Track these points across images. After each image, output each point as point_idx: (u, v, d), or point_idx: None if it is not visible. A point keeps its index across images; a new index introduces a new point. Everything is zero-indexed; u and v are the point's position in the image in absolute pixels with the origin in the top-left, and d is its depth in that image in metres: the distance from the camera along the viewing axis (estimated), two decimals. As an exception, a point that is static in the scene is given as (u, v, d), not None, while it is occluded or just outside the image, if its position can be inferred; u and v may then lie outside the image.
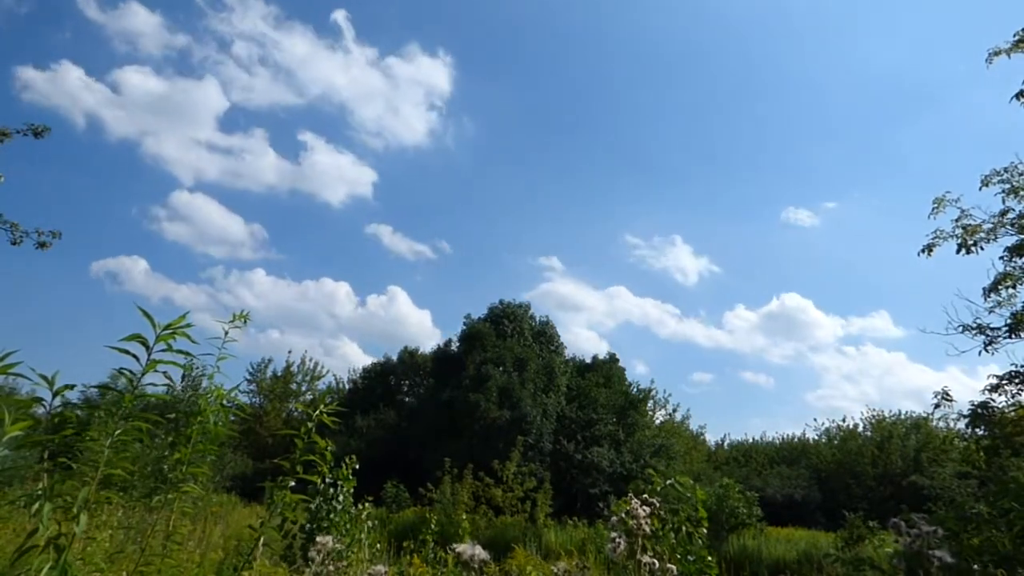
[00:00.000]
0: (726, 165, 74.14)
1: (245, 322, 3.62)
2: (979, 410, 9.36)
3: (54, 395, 2.59)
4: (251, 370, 39.10)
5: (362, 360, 62.85)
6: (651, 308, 62.71)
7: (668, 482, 2.97)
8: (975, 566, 4.39)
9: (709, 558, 3.06)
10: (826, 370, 62.15)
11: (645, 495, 2.07)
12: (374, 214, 66.64)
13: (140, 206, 63.30)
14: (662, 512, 2.46)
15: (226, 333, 3.60)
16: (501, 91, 71.65)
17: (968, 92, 67.05)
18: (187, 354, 2.81)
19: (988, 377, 9.53)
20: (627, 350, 70.77)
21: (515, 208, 72.88)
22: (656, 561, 1.88)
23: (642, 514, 1.88)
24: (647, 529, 1.88)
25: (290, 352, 48.45)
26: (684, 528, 2.94)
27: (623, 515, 1.96)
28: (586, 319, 63.83)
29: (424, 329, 59.63)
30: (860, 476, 30.14)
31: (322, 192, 68.00)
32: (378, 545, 6.86)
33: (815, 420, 45.34)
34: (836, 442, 34.59)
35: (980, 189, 10.07)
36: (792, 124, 75.24)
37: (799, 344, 63.75)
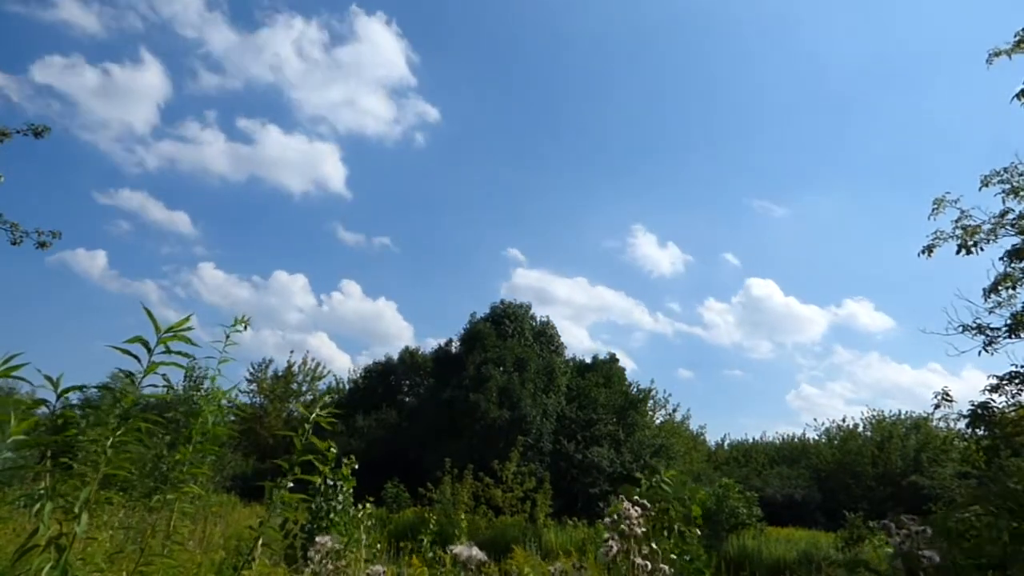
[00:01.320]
0: (686, 154, 74.06)
1: (246, 327, 3.64)
2: (979, 410, 9.37)
3: (58, 396, 2.61)
4: (252, 370, 39.18)
5: (337, 355, 62.47)
6: (621, 301, 62.15)
7: (654, 479, 2.99)
8: (978, 563, 4.40)
9: (704, 556, 3.07)
10: (800, 367, 62.09)
11: (635, 496, 2.09)
12: (331, 206, 65.44)
13: (86, 198, 61.31)
14: (653, 512, 2.48)
15: (227, 336, 3.62)
16: (461, 81, 70.81)
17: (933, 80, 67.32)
18: (188, 356, 2.83)
19: (988, 377, 9.55)
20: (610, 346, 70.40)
21: (480, 199, 72.08)
22: (649, 563, 1.90)
23: (634, 515, 1.90)
24: (639, 531, 1.90)
25: (291, 352, 48.56)
26: (677, 527, 2.96)
27: (615, 517, 1.98)
28: (561, 312, 63.68)
29: (396, 325, 59.62)
30: (860, 476, 30.15)
31: (276, 182, 66.42)
32: (378, 545, 6.88)
33: (815, 420, 45.37)
34: (836, 442, 34.59)
35: (980, 189, 10.08)
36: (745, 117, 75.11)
37: (780, 337, 63.77)
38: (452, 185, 71.41)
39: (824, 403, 58.29)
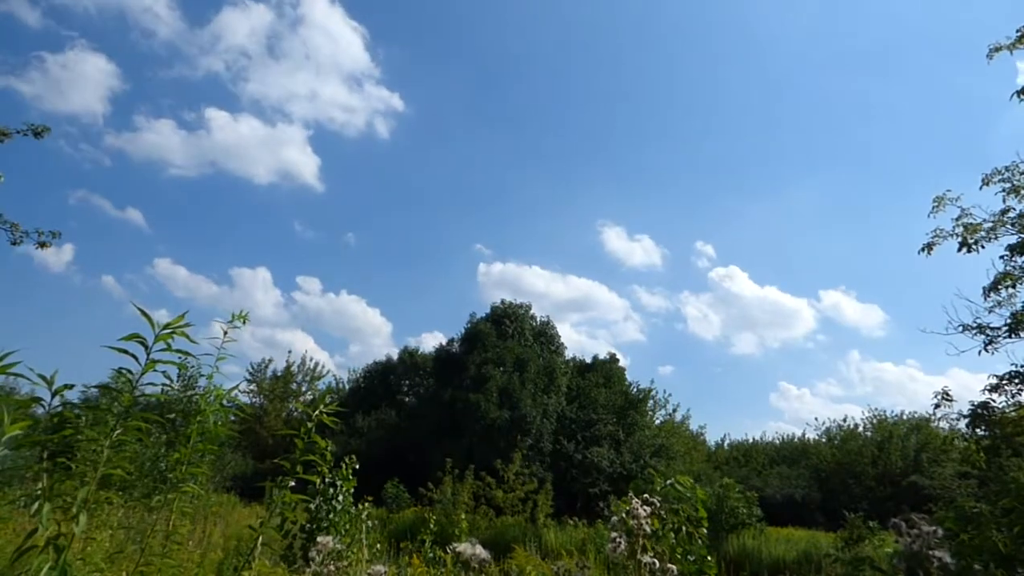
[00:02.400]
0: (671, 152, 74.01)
1: (244, 322, 3.61)
2: (979, 410, 9.35)
3: (53, 395, 2.58)
4: (251, 370, 39.16)
5: (316, 353, 62.05)
6: (599, 294, 61.88)
7: (668, 482, 2.97)
8: (976, 566, 4.38)
9: (709, 558, 3.05)
10: (782, 363, 62.08)
11: (646, 495, 2.06)
12: (296, 199, 64.71)
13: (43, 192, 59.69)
14: (662, 512, 2.46)
15: (225, 333, 3.59)
16: (424, 71, 70.24)
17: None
18: (186, 354, 2.80)
19: (988, 377, 9.53)
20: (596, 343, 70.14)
21: (449, 190, 71.58)
22: (656, 561, 1.87)
23: (643, 514, 1.88)
24: (647, 529, 1.88)
25: (290, 352, 48.52)
26: (684, 528, 2.94)
27: (623, 515, 1.95)
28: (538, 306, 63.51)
29: (371, 321, 59.18)
30: (860, 476, 30.14)
31: (236, 173, 64.51)
32: (378, 545, 6.86)
33: (815, 419, 45.34)
34: (836, 442, 34.58)
35: (981, 188, 10.06)
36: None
37: (762, 332, 63.45)
38: (419, 176, 70.81)
39: (804, 399, 58.37)
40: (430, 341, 64.98)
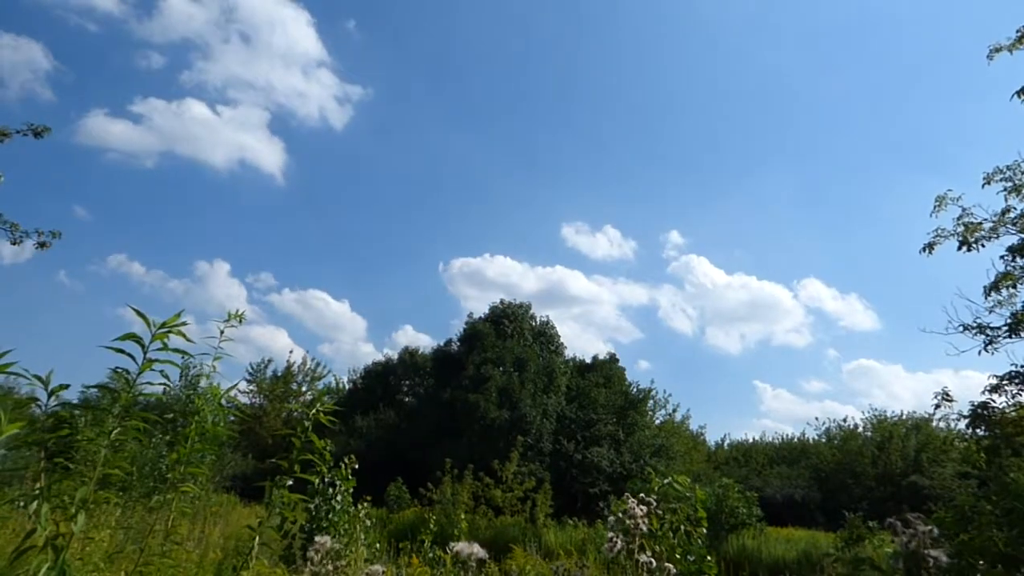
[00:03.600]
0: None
1: (240, 321, 3.61)
2: (979, 410, 9.34)
3: (49, 395, 2.58)
4: (251, 370, 39.18)
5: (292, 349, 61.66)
6: (573, 284, 61.65)
7: (666, 481, 2.96)
8: (980, 564, 4.38)
9: (708, 558, 3.05)
10: (760, 358, 61.72)
11: (642, 495, 2.07)
12: (254, 190, 63.41)
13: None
14: (660, 512, 2.46)
15: (222, 332, 3.59)
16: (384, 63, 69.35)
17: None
18: (184, 353, 2.80)
19: (989, 377, 9.52)
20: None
21: (415, 179, 70.98)
22: (653, 560, 1.87)
23: (639, 513, 1.88)
24: (644, 528, 1.88)
25: (291, 352, 48.52)
26: (683, 528, 2.93)
27: (620, 514, 1.95)
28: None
29: (343, 316, 58.57)
30: (860, 476, 30.13)
31: (189, 164, 62.50)
32: (377, 545, 6.86)
33: (815, 419, 45.36)
34: (836, 442, 34.58)
35: (983, 187, 10.06)
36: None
37: (741, 327, 63.11)
38: (379, 166, 69.74)
39: (781, 397, 58.40)
40: (402, 339, 64.40)
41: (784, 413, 59.18)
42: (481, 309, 55.28)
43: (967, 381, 54.94)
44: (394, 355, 40.44)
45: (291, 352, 48.29)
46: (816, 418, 54.33)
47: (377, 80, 67.57)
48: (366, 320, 60.25)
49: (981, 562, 4.28)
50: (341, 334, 62.50)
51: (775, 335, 62.78)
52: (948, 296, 10.62)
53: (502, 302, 34.68)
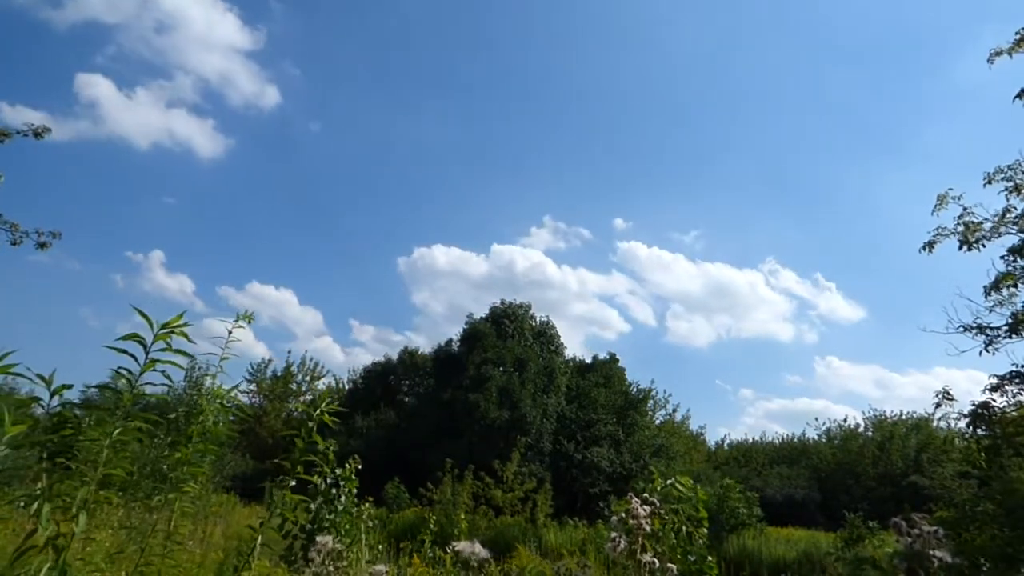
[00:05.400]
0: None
1: (250, 322, 3.61)
2: (980, 410, 9.34)
3: (52, 395, 2.58)
4: (251, 370, 39.20)
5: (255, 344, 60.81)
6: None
7: (669, 482, 2.96)
8: (983, 563, 4.39)
9: (709, 558, 3.05)
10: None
11: (645, 494, 2.06)
12: (182, 176, 61.91)
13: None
14: (663, 512, 2.46)
15: (230, 332, 3.59)
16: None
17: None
18: (185, 353, 2.80)
19: (989, 377, 9.52)
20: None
21: (352, 170, 69.77)
22: (656, 560, 1.87)
23: (642, 513, 1.87)
24: (647, 529, 1.88)
25: (289, 352, 48.56)
26: (685, 528, 2.94)
27: (623, 514, 1.95)
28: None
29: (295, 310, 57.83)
30: (860, 476, 30.13)
31: (111, 147, 59.03)
32: (379, 546, 6.86)
33: (815, 420, 45.38)
34: (836, 442, 34.59)
35: (984, 186, 10.04)
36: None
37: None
38: (320, 154, 68.23)
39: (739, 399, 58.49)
40: (362, 334, 63.95)
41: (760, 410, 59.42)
42: (427, 299, 54.54)
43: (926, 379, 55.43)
44: (388, 352, 40.51)
45: (289, 352, 48.36)
46: (816, 418, 54.34)
47: (307, 63, 66.28)
48: (319, 312, 59.86)
49: (983, 561, 4.28)
50: (296, 327, 62.34)
51: (743, 328, 62.76)
52: (959, 297, 10.58)
53: (502, 302, 34.69)
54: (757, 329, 62.11)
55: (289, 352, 49.59)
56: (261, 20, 66.23)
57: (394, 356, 40.61)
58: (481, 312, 34.81)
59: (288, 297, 60.90)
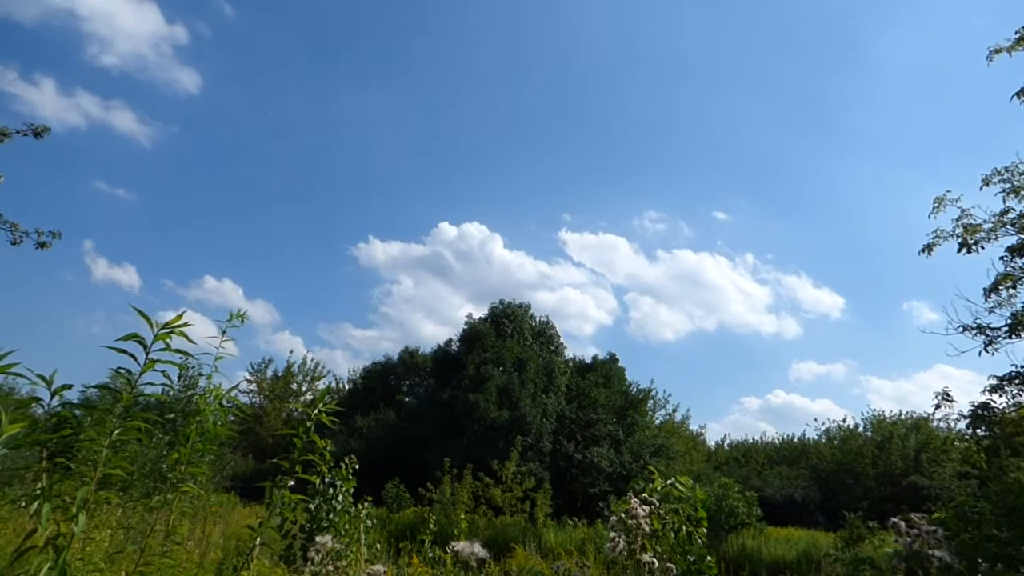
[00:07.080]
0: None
1: (242, 321, 3.61)
2: (979, 411, 9.35)
3: (52, 395, 2.58)
4: (251, 370, 39.22)
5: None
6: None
7: (668, 482, 2.97)
8: (982, 563, 4.39)
9: (709, 558, 3.05)
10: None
11: (645, 494, 2.06)
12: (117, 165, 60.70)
13: None
14: (662, 512, 2.46)
15: (223, 333, 3.59)
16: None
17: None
18: (185, 353, 2.80)
19: (989, 378, 9.53)
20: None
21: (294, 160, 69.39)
22: (656, 560, 1.87)
23: (642, 514, 1.87)
24: (647, 528, 1.88)
25: (291, 352, 48.56)
26: (684, 528, 2.94)
27: (623, 514, 1.95)
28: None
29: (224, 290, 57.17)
30: (860, 476, 30.14)
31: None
32: (377, 545, 6.85)
33: (815, 420, 45.42)
34: (836, 442, 34.59)
35: (981, 188, 10.06)
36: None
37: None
38: (259, 142, 67.79)
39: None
40: (326, 331, 63.38)
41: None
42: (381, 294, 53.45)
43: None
44: (385, 351, 40.53)
45: (291, 352, 48.32)
46: (815, 419, 54.39)
47: (242, 41, 64.99)
48: (275, 308, 58.90)
49: (981, 562, 4.28)
50: (251, 322, 61.38)
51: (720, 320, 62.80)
52: (959, 297, 10.58)
53: (501, 302, 34.69)
54: (735, 322, 62.35)
55: (291, 352, 49.66)
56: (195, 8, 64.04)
57: (378, 355, 40.74)
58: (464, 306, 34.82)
59: (231, 287, 60.17)
